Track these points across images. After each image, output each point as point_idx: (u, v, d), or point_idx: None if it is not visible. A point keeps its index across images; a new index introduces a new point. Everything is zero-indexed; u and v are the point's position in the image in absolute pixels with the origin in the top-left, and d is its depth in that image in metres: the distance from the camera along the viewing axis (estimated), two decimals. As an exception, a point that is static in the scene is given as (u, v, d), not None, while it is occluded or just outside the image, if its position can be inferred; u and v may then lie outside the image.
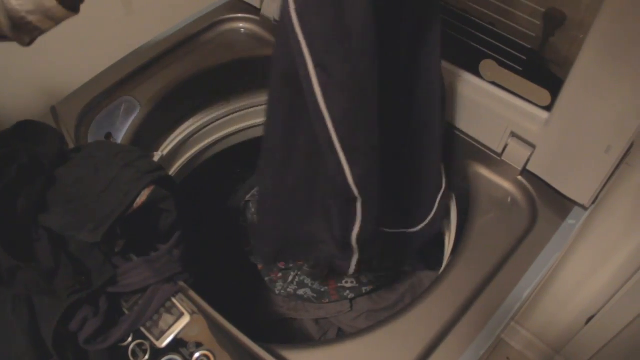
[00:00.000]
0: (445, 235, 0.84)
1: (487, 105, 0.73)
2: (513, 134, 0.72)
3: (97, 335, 0.57)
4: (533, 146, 0.71)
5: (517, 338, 1.42)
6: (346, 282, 1.05)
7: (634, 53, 0.56)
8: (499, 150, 0.75)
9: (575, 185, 0.70)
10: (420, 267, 1.09)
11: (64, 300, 0.55)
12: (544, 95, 0.68)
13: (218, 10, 0.99)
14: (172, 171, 0.94)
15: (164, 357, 0.58)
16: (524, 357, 1.43)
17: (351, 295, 1.04)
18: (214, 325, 0.60)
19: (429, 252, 1.08)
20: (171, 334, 0.59)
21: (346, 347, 0.61)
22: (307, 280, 1.06)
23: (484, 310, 0.62)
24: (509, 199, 0.74)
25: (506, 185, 0.75)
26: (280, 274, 1.08)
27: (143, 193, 0.60)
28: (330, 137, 0.55)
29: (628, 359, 1.14)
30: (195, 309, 0.60)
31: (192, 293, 0.62)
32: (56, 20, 0.56)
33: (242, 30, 0.98)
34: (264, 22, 0.96)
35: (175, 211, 0.64)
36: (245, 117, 1.03)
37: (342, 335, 1.04)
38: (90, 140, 0.80)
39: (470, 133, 0.77)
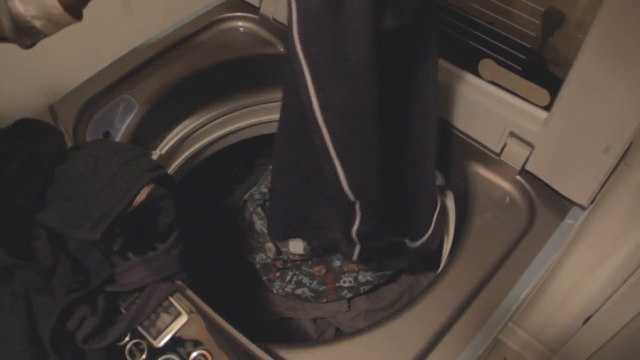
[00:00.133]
0: (443, 234, 0.84)
1: (486, 105, 0.73)
2: (512, 134, 0.72)
3: (94, 334, 0.57)
4: (532, 146, 0.71)
5: (515, 338, 1.42)
6: (344, 282, 1.05)
7: (633, 53, 0.56)
8: (498, 150, 0.75)
9: (573, 185, 0.70)
10: (418, 267, 1.09)
11: (62, 299, 0.55)
12: (543, 95, 0.68)
13: (217, 9, 0.98)
14: (171, 170, 0.94)
15: (161, 356, 0.58)
16: (522, 358, 1.43)
17: (349, 295, 1.04)
18: (211, 325, 0.59)
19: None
20: (168, 333, 0.59)
21: (344, 346, 0.61)
22: (305, 280, 1.06)
23: (481, 311, 0.62)
24: (508, 199, 0.74)
25: (504, 185, 0.75)
26: (278, 274, 1.07)
27: (142, 191, 0.60)
28: (328, 151, 0.59)
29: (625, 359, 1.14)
30: (193, 308, 0.60)
31: (189, 292, 0.62)
32: (60, 26, 0.56)
33: (241, 29, 0.98)
34: (263, 21, 0.96)
35: (173, 210, 0.63)
36: (243, 115, 1.03)
37: (340, 335, 1.04)
38: (88, 139, 0.80)
39: (469, 133, 0.77)
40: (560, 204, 0.71)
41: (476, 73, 0.73)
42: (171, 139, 0.92)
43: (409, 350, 0.60)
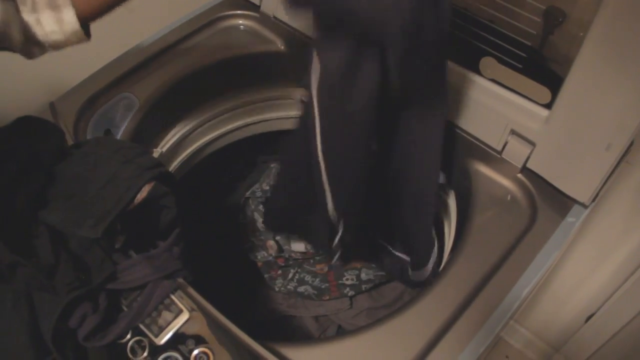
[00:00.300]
0: (445, 232, 0.84)
1: (487, 103, 0.73)
2: (513, 132, 0.72)
3: (96, 332, 0.57)
4: (533, 144, 0.71)
5: (517, 336, 1.42)
6: (346, 279, 1.05)
7: (634, 50, 0.56)
8: (499, 148, 0.75)
9: (575, 183, 0.70)
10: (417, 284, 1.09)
11: (64, 296, 0.55)
12: (544, 93, 0.68)
13: (217, 7, 0.98)
14: (171, 168, 0.94)
15: (162, 354, 0.58)
16: (524, 356, 1.43)
17: (351, 293, 1.04)
18: (213, 322, 0.60)
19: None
20: (170, 330, 0.59)
21: (346, 344, 0.61)
22: (307, 278, 1.06)
23: (483, 308, 0.62)
24: (509, 197, 0.74)
25: (506, 183, 0.75)
26: (280, 271, 1.08)
27: (144, 189, 0.60)
28: (321, 179, 0.70)
29: (628, 357, 1.14)
30: (194, 306, 0.60)
31: (191, 290, 0.62)
32: (71, 45, 0.57)
33: (242, 27, 0.98)
34: (264, 19, 0.96)
35: (175, 207, 0.64)
36: (244, 113, 1.03)
37: (341, 333, 1.04)
38: (89, 136, 0.80)
39: (470, 131, 0.77)
40: (561, 202, 0.71)
41: (477, 71, 0.73)
42: (172, 137, 0.92)
43: (411, 348, 0.60)
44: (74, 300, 0.55)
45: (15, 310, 0.56)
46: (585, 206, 0.71)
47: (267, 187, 1.10)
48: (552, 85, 0.67)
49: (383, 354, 0.60)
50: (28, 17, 0.53)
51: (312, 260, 1.07)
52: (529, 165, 0.73)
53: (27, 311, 0.56)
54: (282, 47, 0.94)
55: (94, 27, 0.62)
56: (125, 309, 0.59)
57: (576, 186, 0.70)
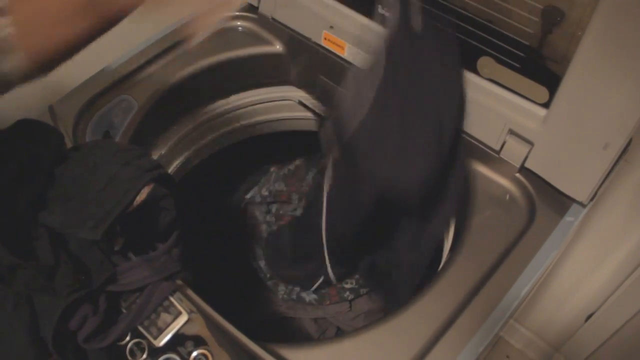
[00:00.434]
0: (443, 232, 0.84)
1: (485, 103, 0.73)
2: (511, 131, 0.72)
3: (96, 333, 0.57)
4: (531, 143, 0.71)
5: (517, 336, 1.42)
6: (346, 283, 1.05)
7: (632, 49, 0.56)
8: (497, 148, 0.75)
9: (573, 182, 0.70)
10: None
11: (64, 298, 0.55)
12: (542, 93, 0.68)
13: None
14: (171, 170, 0.94)
15: (161, 356, 0.58)
16: (524, 355, 1.43)
17: (351, 297, 1.04)
18: (212, 324, 0.60)
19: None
20: (169, 332, 0.59)
21: (344, 345, 0.61)
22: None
23: (482, 308, 0.62)
24: (507, 197, 0.74)
25: (504, 182, 0.75)
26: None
27: (143, 191, 0.60)
28: (321, 239, 0.81)
29: (628, 356, 1.14)
30: (193, 308, 0.60)
31: (189, 292, 0.62)
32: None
33: (240, 28, 0.98)
34: (262, 20, 0.96)
35: (174, 209, 0.64)
36: (243, 115, 1.03)
37: (340, 334, 1.04)
38: (88, 139, 0.80)
39: (468, 130, 0.77)
40: (560, 201, 0.71)
41: (475, 71, 0.73)
42: (170, 139, 0.92)
43: (410, 347, 0.60)
44: (74, 302, 0.55)
45: (16, 312, 0.56)
46: (583, 205, 0.71)
47: (267, 193, 1.09)
48: (550, 85, 0.67)
49: (382, 354, 0.60)
50: None
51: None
52: (527, 164, 0.73)
53: (27, 313, 0.56)
54: (281, 49, 0.94)
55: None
56: (124, 311, 0.59)
57: (574, 185, 0.70)
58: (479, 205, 0.73)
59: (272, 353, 0.58)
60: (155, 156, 0.87)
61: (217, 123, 1.00)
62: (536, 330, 1.36)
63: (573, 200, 0.71)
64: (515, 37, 0.68)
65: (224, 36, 0.96)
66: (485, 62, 0.72)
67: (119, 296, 0.60)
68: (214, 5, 0.52)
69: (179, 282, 0.62)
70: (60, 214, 0.58)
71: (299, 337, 1.04)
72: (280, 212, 1.08)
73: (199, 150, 1.00)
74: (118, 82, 0.86)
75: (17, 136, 0.63)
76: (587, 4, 0.59)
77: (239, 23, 0.98)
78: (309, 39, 0.90)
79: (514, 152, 0.73)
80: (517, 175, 0.74)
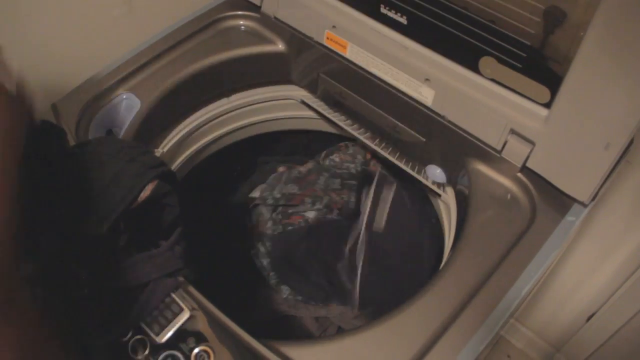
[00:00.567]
0: (444, 231, 0.84)
1: (487, 102, 0.73)
2: (512, 131, 0.73)
3: (99, 329, 0.57)
4: (532, 143, 0.71)
5: (518, 336, 1.42)
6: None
7: (633, 50, 0.56)
8: (499, 147, 0.75)
9: (574, 182, 0.70)
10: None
11: (66, 297, 0.55)
12: (544, 92, 0.68)
13: (218, 8, 0.99)
14: (173, 168, 0.94)
15: (163, 352, 0.58)
16: (525, 355, 1.43)
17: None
18: (213, 321, 0.60)
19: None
20: (171, 329, 0.59)
21: (345, 343, 0.61)
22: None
23: (482, 307, 0.63)
24: (509, 196, 0.74)
25: (505, 182, 0.75)
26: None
27: (147, 188, 0.60)
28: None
29: (629, 356, 1.14)
30: (195, 305, 0.61)
31: (191, 289, 0.62)
32: None
33: (242, 27, 0.98)
34: (264, 19, 0.96)
35: (177, 206, 0.64)
36: (245, 114, 1.03)
37: (341, 332, 1.04)
38: (91, 137, 0.80)
39: (470, 130, 0.77)
40: (561, 201, 0.71)
41: (477, 71, 0.73)
42: (173, 137, 0.93)
43: (411, 346, 0.60)
44: (77, 298, 0.56)
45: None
46: (584, 205, 0.71)
47: (279, 195, 1.08)
48: (552, 85, 0.67)
49: (383, 352, 0.60)
50: None
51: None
52: (529, 164, 0.73)
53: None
54: (283, 48, 0.95)
55: (96, 27, 0.62)
56: (127, 307, 0.60)
57: (576, 185, 0.70)
58: (480, 204, 0.73)
59: (273, 350, 0.58)
60: (157, 154, 0.87)
61: (219, 122, 1.00)
62: (537, 329, 1.36)
63: (574, 200, 0.71)
64: (517, 37, 0.68)
65: (226, 35, 0.97)
66: (487, 62, 0.72)
67: (121, 292, 0.60)
68: None
69: (181, 279, 0.62)
70: (65, 210, 0.59)
71: (300, 335, 1.04)
72: (289, 210, 1.07)
73: (201, 149, 1.01)
74: (121, 80, 0.86)
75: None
76: (589, 4, 0.59)
77: (241, 22, 0.98)
78: (311, 38, 0.90)
79: (515, 152, 0.74)
80: (519, 174, 0.74)
